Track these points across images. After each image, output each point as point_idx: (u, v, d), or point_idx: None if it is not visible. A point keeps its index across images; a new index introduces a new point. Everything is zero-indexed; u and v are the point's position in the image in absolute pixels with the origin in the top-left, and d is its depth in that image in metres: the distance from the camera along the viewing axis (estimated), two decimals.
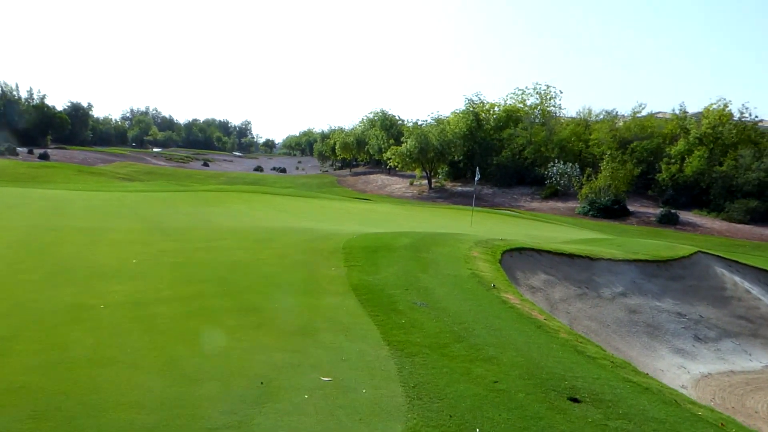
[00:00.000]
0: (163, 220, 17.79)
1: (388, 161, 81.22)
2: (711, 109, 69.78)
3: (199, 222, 17.89)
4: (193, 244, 13.01)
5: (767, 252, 45.74)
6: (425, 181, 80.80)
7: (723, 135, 67.03)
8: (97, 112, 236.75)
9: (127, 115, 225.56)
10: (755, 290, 20.59)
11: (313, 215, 24.29)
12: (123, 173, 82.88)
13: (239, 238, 13.91)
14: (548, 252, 15.09)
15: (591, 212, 60.79)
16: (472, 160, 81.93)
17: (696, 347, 14.49)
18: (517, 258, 13.64)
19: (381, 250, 11.79)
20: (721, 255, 23.82)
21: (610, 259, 16.75)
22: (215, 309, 7.77)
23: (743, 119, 68.85)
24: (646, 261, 17.85)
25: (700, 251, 21.91)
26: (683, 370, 12.65)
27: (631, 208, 62.32)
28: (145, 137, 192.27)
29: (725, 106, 69.52)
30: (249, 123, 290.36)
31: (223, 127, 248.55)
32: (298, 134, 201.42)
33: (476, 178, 27.67)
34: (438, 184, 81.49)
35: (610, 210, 60.20)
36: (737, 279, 20.76)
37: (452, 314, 7.91)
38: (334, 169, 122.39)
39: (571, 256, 15.68)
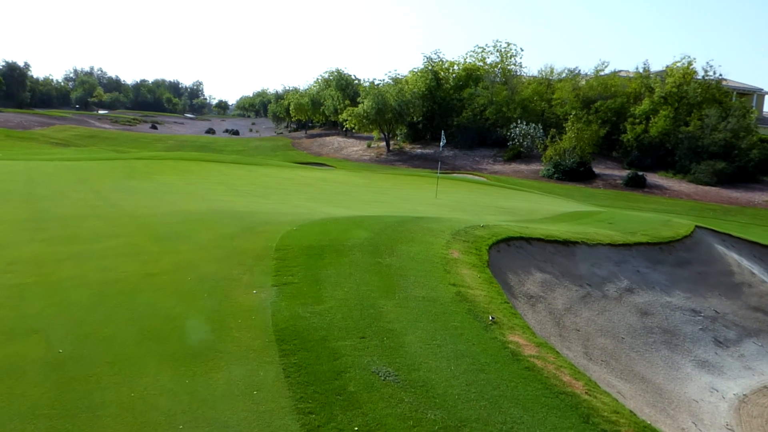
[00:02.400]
0: (55, 204, 14.15)
1: (345, 123, 77.43)
2: (675, 67, 67.64)
3: (102, 206, 14.34)
4: (66, 248, 9.57)
5: (738, 216, 44.17)
6: (383, 144, 77.41)
7: (688, 94, 65.14)
8: (37, 72, 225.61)
9: (71, 75, 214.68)
10: (756, 270, 18.24)
11: (254, 189, 20.89)
12: (59, 138, 77.23)
13: (140, 234, 10.54)
14: (539, 240, 12.16)
15: (556, 175, 58.54)
16: (431, 121, 78.79)
17: (719, 355, 11.89)
18: (505, 253, 10.66)
19: (328, 253, 8.65)
20: (714, 228, 21.47)
21: (609, 245, 14.02)
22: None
23: (707, 78, 66.94)
24: (648, 244, 15.20)
25: (697, 226, 19.38)
26: (717, 396, 9.96)
27: (596, 170, 60.26)
28: (90, 99, 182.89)
29: (689, 63, 67.47)
30: (201, 83, 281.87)
31: (174, 88, 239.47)
32: (252, 95, 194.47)
33: (441, 144, 24.52)
34: (397, 147, 78.21)
35: (576, 173, 58.01)
36: (736, 257, 18.38)
37: (440, 401, 4.80)
38: (289, 131, 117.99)
39: (566, 243, 12.82)
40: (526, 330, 6.49)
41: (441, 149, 25.98)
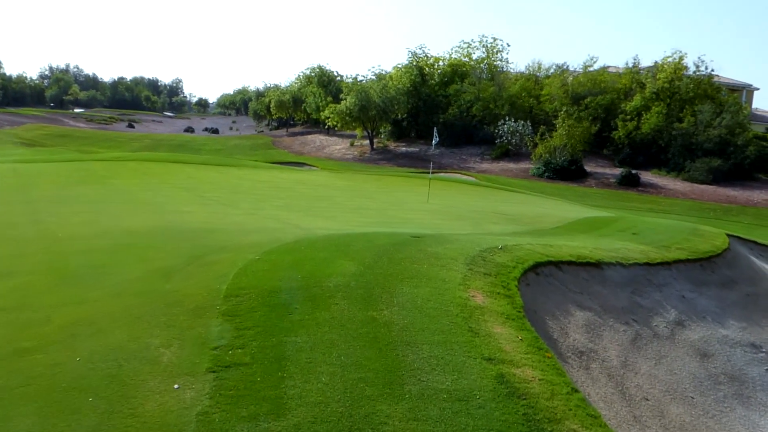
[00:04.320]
0: None
1: (327, 120, 74.60)
2: (666, 62, 65.65)
3: (22, 223, 11.49)
4: None
5: (740, 216, 42.24)
6: (367, 142, 74.71)
7: (680, 90, 63.23)
8: (10, 70, 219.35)
9: (46, 73, 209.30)
10: None
11: (221, 196, 18.21)
12: (27, 137, 73.71)
13: (44, 270, 7.83)
14: (569, 263, 9.68)
15: (546, 174, 56.32)
16: (416, 118, 76.33)
17: None
18: (535, 287, 8.17)
19: (299, 302, 6.10)
20: (738, 235, 19.23)
21: (647, 264, 11.59)
22: None
23: (698, 73, 65.04)
24: (688, 261, 12.80)
25: (727, 234, 17.12)
26: None
27: (588, 168, 58.14)
28: (65, 97, 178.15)
29: (681, 58, 65.54)
30: (180, 81, 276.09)
31: (153, 85, 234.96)
32: (232, 92, 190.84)
33: (434, 142, 22.05)
34: (381, 145, 75.57)
35: (567, 171, 55.82)
36: None
37: None
38: (270, 129, 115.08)
39: (600, 265, 10.38)
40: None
41: (433, 148, 23.50)
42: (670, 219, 31.09)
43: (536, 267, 8.74)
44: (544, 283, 8.50)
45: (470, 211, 20.08)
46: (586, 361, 6.85)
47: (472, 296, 6.58)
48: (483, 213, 19.57)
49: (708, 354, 9.58)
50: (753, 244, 18.83)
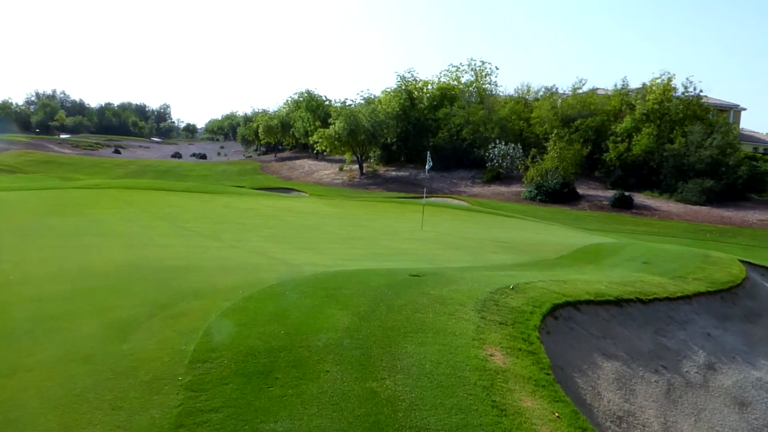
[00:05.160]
0: None
1: (316, 145, 73.68)
2: (655, 83, 65.50)
3: None
4: None
5: (737, 238, 41.50)
6: (356, 166, 73.82)
7: (670, 110, 62.98)
8: None
9: (32, 98, 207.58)
10: None
11: (203, 227, 17.06)
12: (10, 164, 72.28)
13: None
14: (587, 303, 8.64)
15: (539, 197, 55.56)
16: (406, 142, 75.70)
17: None
18: (557, 335, 7.12)
19: (280, 371, 4.96)
20: (744, 258, 18.25)
21: (667, 299, 10.57)
22: None
23: (687, 94, 64.89)
24: (708, 294, 11.81)
25: (740, 260, 16.21)
26: None
27: (579, 190, 57.51)
28: (51, 123, 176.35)
29: (669, 79, 65.44)
30: (168, 107, 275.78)
31: (140, 111, 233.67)
32: (220, 118, 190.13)
33: (427, 167, 21.04)
34: (370, 169, 74.71)
35: (560, 194, 55.12)
36: None
37: None
38: (258, 155, 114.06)
39: (619, 303, 9.37)
40: None
41: (426, 173, 22.54)
42: (667, 242, 30.22)
43: (554, 309, 7.69)
44: (565, 328, 7.45)
45: (466, 238, 19.06)
46: (626, 428, 5.77)
47: (491, 355, 5.51)
48: (480, 241, 18.56)
49: (745, 403, 8.53)
50: (764, 270, 17.93)
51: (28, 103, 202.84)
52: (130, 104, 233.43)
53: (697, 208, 52.31)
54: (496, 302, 7.23)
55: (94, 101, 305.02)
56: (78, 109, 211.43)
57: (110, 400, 4.60)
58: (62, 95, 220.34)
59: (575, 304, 8.34)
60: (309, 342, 5.58)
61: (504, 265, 12.31)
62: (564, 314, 7.82)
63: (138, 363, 5.23)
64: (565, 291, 8.78)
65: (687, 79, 65.19)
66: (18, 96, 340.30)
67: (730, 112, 78.34)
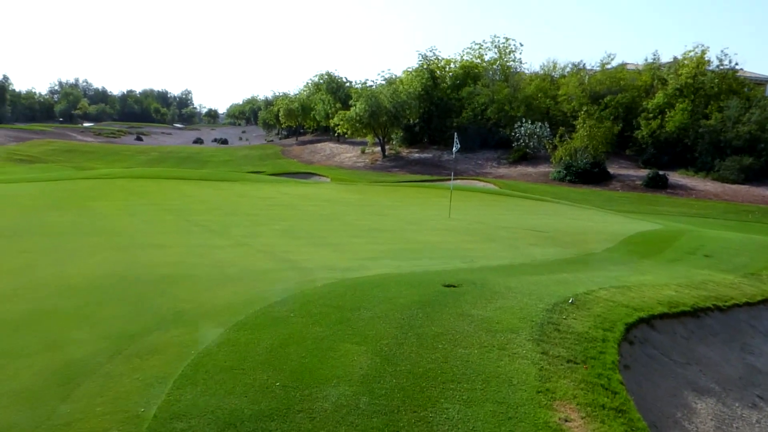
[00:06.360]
0: None
1: (336, 128, 72.07)
2: (688, 56, 62.64)
3: None
4: None
5: None
6: (378, 149, 72.17)
7: (704, 85, 60.15)
8: (19, 86, 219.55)
9: (55, 88, 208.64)
10: None
11: (212, 220, 15.66)
12: (32, 153, 71.82)
13: None
14: (661, 318, 7.04)
15: (568, 177, 53.45)
16: (429, 123, 73.77)
17: None
18: (638, 370, 5.60)
19: None
20: None
21: (747, 304, 8.89)
22: None
23: (722, 67, 61.92)
24: None
25: None
26: None
27: (610, 170, 55.20)
28: (74, 111, 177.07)
29: (703, 52, 62.49)
30: (190, 93, 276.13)
31: (162, 97, 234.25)
32: (242, 102, 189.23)
33: (455, 149, 19.40)
34: (393, 151, 72.99)
35: (590, 174, 52.94)
36: None
37: None
38: (280, 138, 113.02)
39: (696, 314, 7.74)
40: None
41: (454, 156, 20.91)
42: (709, 225, 28.23)
43: (627, 330, 6.11)
44: (644, 357, 5.88)
45: (499, 228, 17.43)
46: None
47: (566, 421, 4.00)
48: (515, 230, 16.93)
49: None
50: None
51: (52, 92, 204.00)
52: (152, 91, 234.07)
53: (735, 186, 49.84)
54: (557, 326, 5.69)
55: (116, 89, 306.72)
56: (100, 97, 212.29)
57: None
58: (84, 84, 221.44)
59: (649, 321, 6.76)
60: (313, 401, 4.11)
61: (549, 263, 10.71)
62: (639, 336, 6.25)
63: None
64: (632, 302, 7.18)
65: (722, 51, 62.35)
66: (41, 86, 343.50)
67: (766, 85, 75.07)
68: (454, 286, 7.07)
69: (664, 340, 6.63)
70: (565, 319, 6.01)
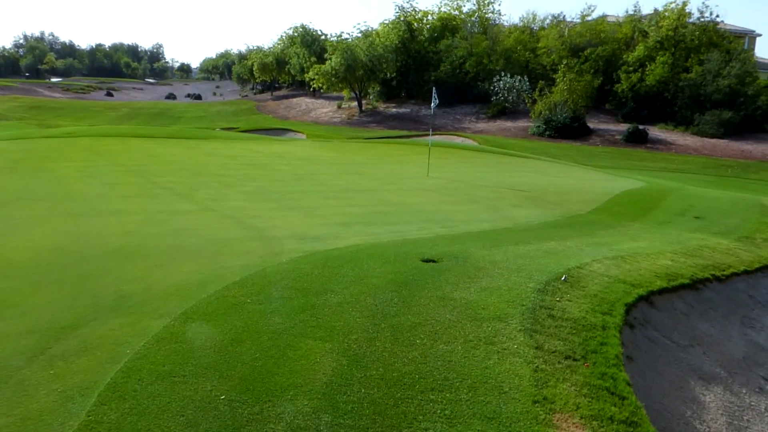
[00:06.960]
0: None
1: (312, 82, 70.36)
2: (669, 8, 61.64)
3: None
4: None
5: (761, 174, 39.05)
6: (355, 104, 70.76)
7: (685, 37, 59.35)
8: None
9: (20, 41, 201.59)
10: None
11: (178, 181, 14.74)
12: None
13: None
14: (660, 293, 6.42)
15: (547, 132, 52.80)
16: (406, 77, 72.23)
17: None
18: (641, 360, 5.00)
19: None
20: None
21: (745, 272, 8.34)
22: None
23: (703, 19, 61.08)
24: None
25: None
26: None
27: (590, 125, 54.61)
28: (41, 66, 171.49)
29: (684, 4, 61.47)
30: (161, 46, 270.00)
31: (133, 51, 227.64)
32: (215, 56, 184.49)
33: (433, 105, 18.58)
34: (370, 106, 71.59)
35: (570, 129, 52.32)
36: None
37: None
38: (255, 93, 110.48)
39: (695, 286, 7.14)
40: None
41: (432, 111, 20.06)
42: (689, 180, 27.82)
43: (627, 313, 5.47)
44: (645, 343, 5.26)
45: (479, 186, 16.77)
46: None
47: None
48: (495, 189, 16.27)
49: None
50: None
51: (16, 46, 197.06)
52: (121, 45, 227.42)
53: (714, 141, 49.61)
54: (550, 310, 5.04)
55: (84, 43, 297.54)
56: (68, 51, 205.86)
57: None
58: (51, 37, 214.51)
59: (648, 298, 6.15)
60: (263, 421, 3.39)
61: (533, 227, 10.06)
62: (639, 317, 5.63)
63: None
64: (629, 277, 6.56)
65: (703, 3, 61.51)
66: (5, 40, 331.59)
67: (745, 38, 74.31)
68: (433, 261, 6.38)
69: (665, 318, 6.03)
70: (558, 301, 5.36)
